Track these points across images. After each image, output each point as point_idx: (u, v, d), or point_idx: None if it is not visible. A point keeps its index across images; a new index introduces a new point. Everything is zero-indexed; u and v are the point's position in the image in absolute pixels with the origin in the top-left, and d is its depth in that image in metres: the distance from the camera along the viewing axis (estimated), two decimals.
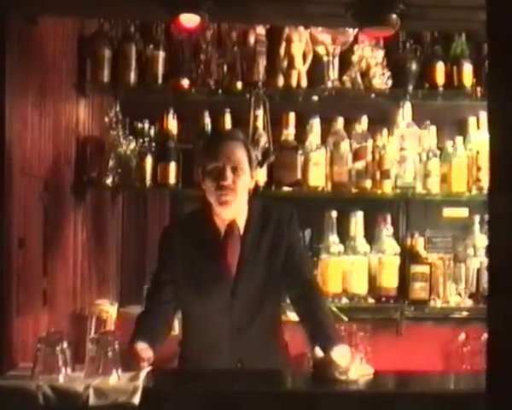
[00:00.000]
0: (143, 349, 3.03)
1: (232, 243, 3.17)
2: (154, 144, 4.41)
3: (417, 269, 4.44)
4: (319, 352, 3.00)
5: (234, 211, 3.15)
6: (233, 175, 3.08)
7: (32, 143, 3.55)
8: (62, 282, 4.09)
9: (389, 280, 4.44)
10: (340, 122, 4.51)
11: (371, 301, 4.47)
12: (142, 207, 4.99)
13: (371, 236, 4.56)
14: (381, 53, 4.49)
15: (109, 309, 4.23)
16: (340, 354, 2.94)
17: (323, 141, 4.47)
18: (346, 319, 4.25)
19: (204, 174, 3.16)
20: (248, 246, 3.17)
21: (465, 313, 4.51)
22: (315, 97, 4.51)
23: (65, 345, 2.90)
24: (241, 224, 3.19)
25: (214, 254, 3.17)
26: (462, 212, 4.84)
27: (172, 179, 4.36)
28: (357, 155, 4.45)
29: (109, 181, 4.37)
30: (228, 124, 4.41)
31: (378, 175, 4.43)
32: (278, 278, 3.20)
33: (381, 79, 4.45)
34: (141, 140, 4.43)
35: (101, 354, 2.86)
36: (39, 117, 3.67)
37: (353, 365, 2.94)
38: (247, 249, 3.17)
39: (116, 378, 2.84)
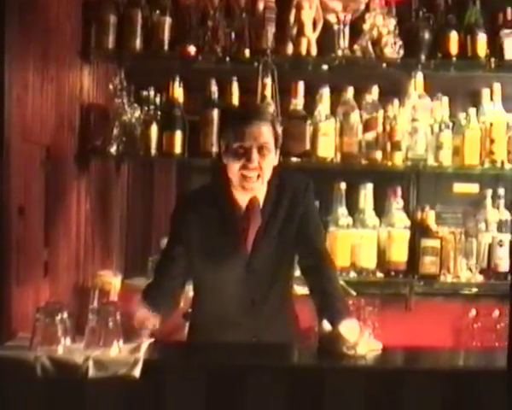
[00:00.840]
0: (147, 316, 2.99)
1: (254, 218, 3.11)
2: (159, 113, 4.34)
3: (428, 243, 4.36)
4: (327, 325, 2.92)
5: (255, 192, 3.10)
6: (259, 156, 3.01)
7: (33, 109, 3.47)
8: (64, 253, 4.02)
9: (399, 254, 4.37)
10: (350, 92, 4.41)
11: (380, 275, 4.40)
12: (147, 177, 4.93)
13: (381, 209, 4.49)
14: (393, 21, 4.36)
15: (113, 280, 4.11)
16: (349, 329, 2.88)
17: (333, 111, 4.38)
18: (354, 293, 4.18)
19: (228, 150, 3.07)
20: (266, 220, 3.12)
21: (475, 290, 4.43)
22: (325, 66, 4.42)
23: (65, 315, 2.83)
24: (261, 198, 3.14)
25: (233, 230, 3.11)
26: (473, 187, 4.76)
27: (178, 149, 4.28)
28: (367, 126, 4.36)
29: (113, 150, 4.30)
30: (235, 93, 4.31)
31: (389, 147, 4.34)
32: (291, 249, 3.17)
33: (393, 49, 4.33)
34: (146, 108, 4.36)
35: (101, 324, 2.80)
36: (41, 82, 3.58)
37: (362, 340, 2.87)
38: (264, 223, 3.11)
39: (117, 350, 2.77)
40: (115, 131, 4.30)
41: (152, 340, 2.91)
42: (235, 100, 4.29)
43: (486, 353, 3.30)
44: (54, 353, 2.74)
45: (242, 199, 3.11)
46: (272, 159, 3.08)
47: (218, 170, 3.18)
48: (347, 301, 3.26)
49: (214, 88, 4.32)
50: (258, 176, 3.03)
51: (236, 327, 3.10)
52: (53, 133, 3.79)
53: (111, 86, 4.39)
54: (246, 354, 2.93)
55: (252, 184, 3.03)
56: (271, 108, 4.17)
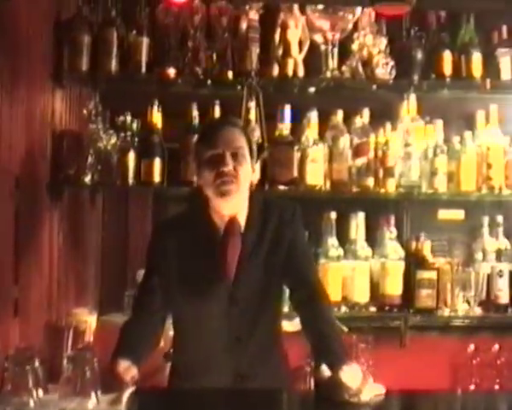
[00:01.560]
0: (126, 368, 2.71)
1: (233, 242, 2.88)
2: (136, 139, 4.16)
3: (424, 275, 4.15)
4: (326, 370, 2.68)
5: (235, 204, 2.86)
6: (233, 162, 2.81)
7: (1, 134, 3.24)
8: (36, 289, 3.77)
9: (393, 287, 4.15)
10: (339, 115, 4.22)
11: (373, 309, 4.18)
12: (123, 208, 4.69)
13: (373, 239, 4.28)
14: (383, 41, 4.19)
15: (88, 319, 3.97)
16: (351, 375, 2.63)
17: (321, 136, 4.18)
18: (345, 329, 3.91)
19: (201, 164, 2.87)
20: (249, 246, 2.89)
21: (474, 323, 4.21)
22: (312, 89, 4.24)
23: (36, 364, 2.53)
24: (242, 221, 2.91)
25: (212, 255, 2.89)
26: (458, 214, 4.56)
27: (157, 177, 4.09)
28: (357, 152, 4.15)
29: (88, 179, 4.11)
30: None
31: (381, 173, 4.14)
32: (279, 280, 2.96)
33: (384, 69, 4.15)
34: (123, 134, 4.16)
35: (77, 373, 2.51)
36: (10, 105, 3.35)
37: (365, 386, 2.63)
38: (247, 250, 2.89)
39: (95, 401, 2.49)
40: (90, 159, 4.11)
41: (133, 388, 2.64)
42: None
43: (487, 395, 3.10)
44: (25, 406, 2.45)
45: (221, 221, 2.88)
46: (249, 170, 2.88)
47: (194, 195, 3.05)
48: (345, 342, 3.00)
49: (195, 113, 4.12)
50: (235, 179, 2.81)
51: (220, 367, 2.89)
52: (23, 160, 3.57)
53: (85, 111, 4.21)
54: (233, 402, 2.70)
55: (228, 187, 2.80)
56: (257, 134, 3.97)
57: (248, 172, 2.88)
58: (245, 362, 2.88)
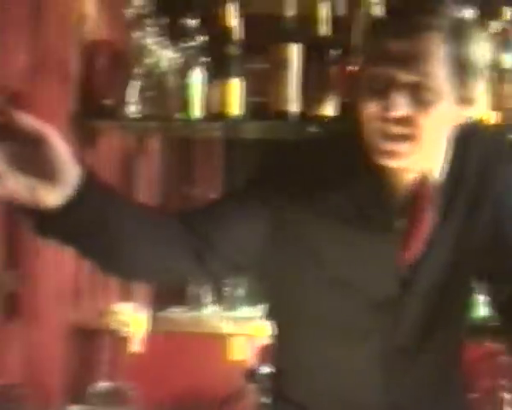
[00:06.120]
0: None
1: (421, 215, 1.97)
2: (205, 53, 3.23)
3: None
4: None
5: (414, 162, 1.91)
6: (411, 99, 1.81)
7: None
8: (50, 276, 2.84)
9: None
10: None
11: None
12: (184, 154, 3.79)
13: None
14: None
15: (134, 318, 3.08)
16: None
17: None
18: None
19: (362, 82, 1.93)
20: (440, 216, 2.00)
21: None
22: None
23: None
24: (433, 179, 1.98)
25: (382, 231, 1.98)
26: None
27: (235, 107, 3.11)
28: None
29: (132, 111, 3.20)
30: None
31: None
32: (468, 272, 2.08)
33: None
34: (184, 46, 3.25)
35: None
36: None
37: None
38: (435, 222, 2.00)
39: None
40: (135, 83, 3.24)
41: None
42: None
43: None
44: None
45: (398, 178, 1.96)
46: (444, 113, 1.84)
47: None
48: None
49: (292, 10, 3.09)
50: (410, 136, 1.84)
51: (366, 386, 2.05)
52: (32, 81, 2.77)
53: (129, 13, 3.28)
54: None
55: (397, 146, 1.85)
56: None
57: (442, 115, 1.85)
58: (407, 386, 2.05)
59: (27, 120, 1.47)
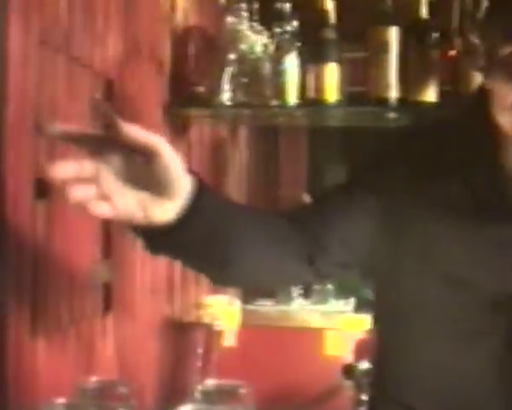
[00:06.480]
0: None
1: None
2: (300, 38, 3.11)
3: None
4: None
5: None
6: None
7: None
8: (142, 267, 2.73)
9: None
10: None
11: None
12: (272, 140, 3.73)
13: None
14: None
15: (227, 311, 2.95)
16: None
17: None
18: None
19: (492, 64, 1.76)
20: None
21: None
22: None
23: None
24: None
25: (502, 217, 1.83)
26: None
27: (332, 93, 2.96)
28: None
29: (226, 98, 3.10)
30: None
31: None
32: None
33: None
34: (278, 31, 3.11)
35: None
36: None
37: None
38: None
39: None
40: (228, 70, 3.13)
41: None
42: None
43: None
44: None
45: None
46: None
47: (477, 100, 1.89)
48: None
49: None
50: None
51: (481, 386, 1.87)
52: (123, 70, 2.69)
53: None
54: None
55: None
56: None
57: None
58: None
59: (135, 131, 1.35)
